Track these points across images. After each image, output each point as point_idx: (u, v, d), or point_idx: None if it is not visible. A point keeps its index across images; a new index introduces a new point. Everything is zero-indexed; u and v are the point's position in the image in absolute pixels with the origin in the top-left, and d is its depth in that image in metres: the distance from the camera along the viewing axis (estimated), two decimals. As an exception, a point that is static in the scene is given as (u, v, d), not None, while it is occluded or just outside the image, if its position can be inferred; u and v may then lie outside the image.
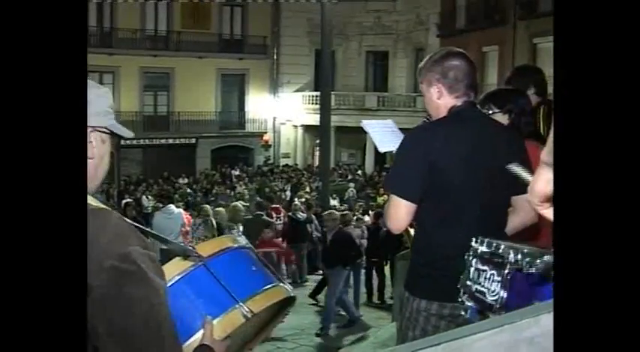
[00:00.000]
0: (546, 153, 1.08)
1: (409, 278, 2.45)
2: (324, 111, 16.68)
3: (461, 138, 2.30)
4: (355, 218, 12.63)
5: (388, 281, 10.52)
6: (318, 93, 22.60)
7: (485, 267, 1.62)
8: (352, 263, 9.22)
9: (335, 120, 20.30)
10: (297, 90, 29.97)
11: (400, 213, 2.30)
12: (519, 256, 1.47)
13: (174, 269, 1.54)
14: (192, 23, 27.61)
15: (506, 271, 1.50)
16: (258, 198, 15.72)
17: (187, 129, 27.84)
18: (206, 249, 1.62)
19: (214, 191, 22.50)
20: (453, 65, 2.36)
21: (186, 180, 24.93)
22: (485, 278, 1.61)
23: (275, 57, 29.91)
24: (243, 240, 1.75)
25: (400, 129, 3.08)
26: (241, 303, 1.54)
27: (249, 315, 1.54)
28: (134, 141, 24.53)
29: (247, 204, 14.48)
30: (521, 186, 1.44)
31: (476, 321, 1.52)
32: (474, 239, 1.70)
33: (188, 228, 9.77)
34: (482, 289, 1.61)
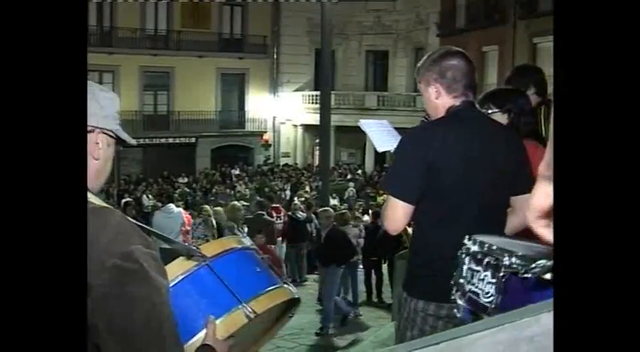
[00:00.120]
0: (545, 167, 1.02)
1: (407, 278, 2.44)
2: (324, 110, 16.64)
3: (459, 139, 2.29)
4: (354, 217, 12.61)
5: (386, 281, 10.53)
6: (317, 92, 22.57)
7: (478, 268, 1.60)
8: (345, 262, 9.11)
9: (335, 119, 20.27)
10: (297, 90, 29.98)
11: (397, 214, 2.29)
12: (514, 259, 1.45)
13: (177, 269, 1.54)
14: (192, 22, 27.61)
15: (501, 274, 1.49)
16: (258, 198, 15.71)
17: (187, 129, 27.83)
18: (210, 249, 1.63)
19: (214, 190, 22.47)
20: (451, 65, 2.34)
21: (186, 180, 24.92)
22: (479, 279, 1.59)
23: (275, 56, 29.91)
24: (247, 242, 1.76)
25: (400, 128, 3.08)
26: (244, 304, 1.54)
27: (252, 316, 1.54)
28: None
29: (248, 204, 14.49)
30: (521, 186, 1.43)
31: (469, 321, 1.51)
32: (467, 237, 1.69)
33: (188, 228, 9.75)
34: (476, 290, 1.59)
